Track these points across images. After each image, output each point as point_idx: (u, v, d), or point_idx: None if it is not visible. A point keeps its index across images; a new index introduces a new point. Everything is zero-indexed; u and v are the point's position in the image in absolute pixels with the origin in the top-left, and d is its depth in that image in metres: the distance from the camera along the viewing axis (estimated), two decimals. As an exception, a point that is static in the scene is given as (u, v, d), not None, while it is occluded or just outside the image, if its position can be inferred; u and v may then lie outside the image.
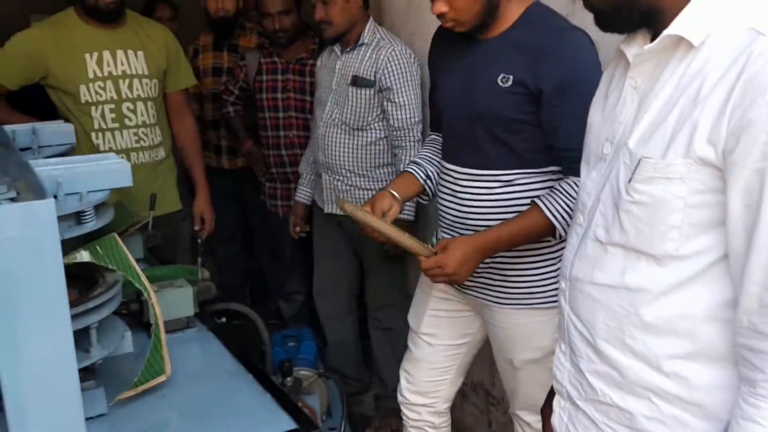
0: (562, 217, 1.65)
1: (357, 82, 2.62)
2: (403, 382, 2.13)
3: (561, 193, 1.66)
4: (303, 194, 3.04)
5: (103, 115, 2.64)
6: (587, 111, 1.26)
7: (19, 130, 1.84)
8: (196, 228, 3.00)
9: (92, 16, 2.61)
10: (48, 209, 0.86)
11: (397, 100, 2.58)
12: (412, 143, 2.61)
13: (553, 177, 1.76)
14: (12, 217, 0.85)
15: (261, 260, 3.95)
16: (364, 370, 3.21)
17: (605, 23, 1.12)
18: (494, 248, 1.72)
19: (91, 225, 1.22)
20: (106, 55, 2.63)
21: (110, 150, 2.66)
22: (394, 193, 1.88)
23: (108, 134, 2.67)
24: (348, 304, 3.08)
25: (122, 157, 2.74)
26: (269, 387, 1.45)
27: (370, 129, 2.68)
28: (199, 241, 2.06)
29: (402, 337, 2.24)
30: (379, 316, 2.99)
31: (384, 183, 2.69)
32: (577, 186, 1.28)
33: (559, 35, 1.65)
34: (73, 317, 1.07)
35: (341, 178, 2.75)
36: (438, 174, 1.96)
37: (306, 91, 3.16)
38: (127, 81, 2.67)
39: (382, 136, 2.69)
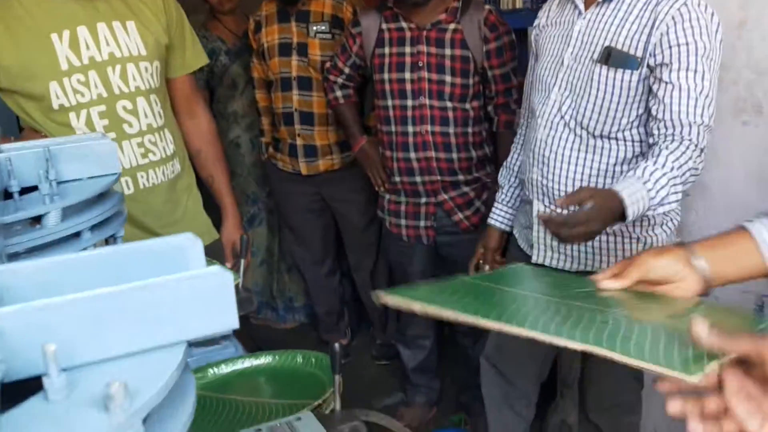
0: None
1: (611, 58, 1.59)
2: None
3: None
4: (501, 216, 2.02)
5: (89, 124, 1.73)
6: None
7: None
8: (228, 265, 2.00)
9: None
10: None
11: (675, 79, 1.51)
12: (691, 149, 1.48)
13: None
14: None
15: (361, 289, 3.14)
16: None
17: None
18: None
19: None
20: (83, 32, 1.70)
21: None
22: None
23: None
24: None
25: (127, 181, 1.84)
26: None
27: (624, 140, 1.66)
28: (242, 270, 1.61)
29: None
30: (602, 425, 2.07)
31: (638, 226, 1.71)
32: None
33: None
34: None
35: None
36: None
37: (446, 70, 2.24)
38: (118, 68, 1.75)
39: (641, 150, 1.65)
